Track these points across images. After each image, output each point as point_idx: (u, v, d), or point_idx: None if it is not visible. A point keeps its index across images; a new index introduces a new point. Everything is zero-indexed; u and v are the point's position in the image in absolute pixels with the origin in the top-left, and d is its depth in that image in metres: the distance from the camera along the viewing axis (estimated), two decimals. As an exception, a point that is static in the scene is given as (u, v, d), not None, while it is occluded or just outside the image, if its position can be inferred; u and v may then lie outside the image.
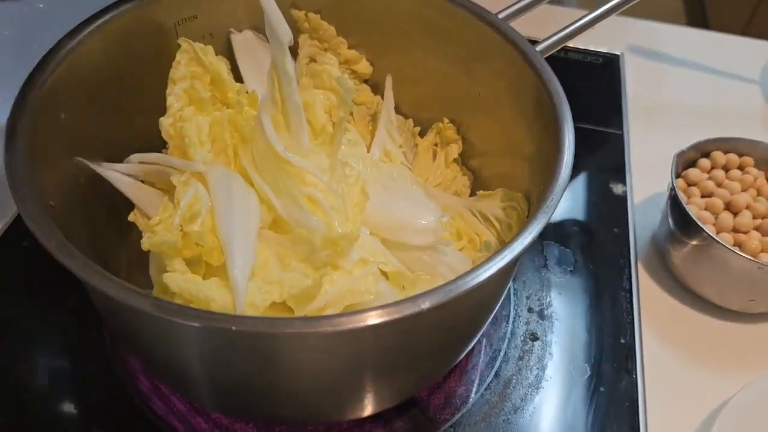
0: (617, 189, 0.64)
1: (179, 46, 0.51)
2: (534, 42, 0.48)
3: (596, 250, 0.59)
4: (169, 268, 0.41)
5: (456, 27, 0.50)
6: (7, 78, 0.47)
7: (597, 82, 0.75)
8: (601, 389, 0.50)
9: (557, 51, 0.67)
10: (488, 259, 0.35)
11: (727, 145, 0.60)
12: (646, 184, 0.65)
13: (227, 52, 0.54)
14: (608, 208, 0.63)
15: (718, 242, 0.52)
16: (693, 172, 0.58)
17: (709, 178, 0.58)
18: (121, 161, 0.49)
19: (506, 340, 0.52)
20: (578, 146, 0.61)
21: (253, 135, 0.47)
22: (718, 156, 0.59)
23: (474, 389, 0.50)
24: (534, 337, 0.53)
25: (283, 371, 0.37)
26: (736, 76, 0.78)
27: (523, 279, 0.57)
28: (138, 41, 0.49)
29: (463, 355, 0.46)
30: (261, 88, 0.51)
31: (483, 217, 0.51)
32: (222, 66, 0.53)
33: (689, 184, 0.58)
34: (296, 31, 0.55)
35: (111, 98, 0.48)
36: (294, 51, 0.54)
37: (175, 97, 0.49)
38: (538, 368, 0.51)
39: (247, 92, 0.54)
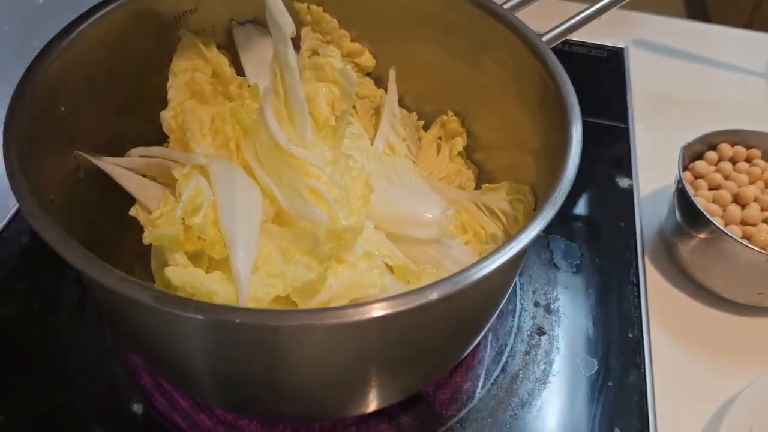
0: (623, 182, 0.63)
1: (180, 38, 0.51)
2: (539, 35, 0.48)
3: (603, 244, 0.59)
4: (171, 261, 0.40)
5: (459, 18, 0.50)
6: (7, 74, 0.46)
7: (602, 75, 0.74)
8: (609, 383, 0.50)
9: (562, 45, 0.67)
10: (496, 251, 0.34)
11: (734, 137, 0.59)
12: (652, 177, 0.64)
13: (229, 45, 0.54)
14: (614, 201, 0.62)
15: (726, 234, 0.51)
16: (700, 165, 0.57)
17: (717, 171, 0.57)
18: (122, 155, 0.48)
19: (513, 335, 0.52)
20: (583, 140, 0.61)
21: (256, 128, 0.46)
22: (725, 148, 0.58)
23: (480, 384, 0.49)
24: (541, 332, 0.52)
25: (287, 366, 0.36)
26: (741, 69, 0.77)
27: (529, 273, 0.56)
28: (138, 34, 0.48)
29: (469, 350, 0.46)
30: (263, 81, 0.50)
31: (489, 211, 0.50)
32: (223, 59, 0.52)
33: (696, 177, 0.57)
34: (299, 23, 0.54)
35: (111, 91, 0.47)
36: (296, 44, 0.53)
37: (176, 90, 0.49)
38: (545, 363, 0.50)
39: (249, 85, 0.54)
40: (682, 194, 0.55)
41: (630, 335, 0.52)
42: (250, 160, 0.46)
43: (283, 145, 0.44)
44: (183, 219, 0.41)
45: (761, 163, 0.58)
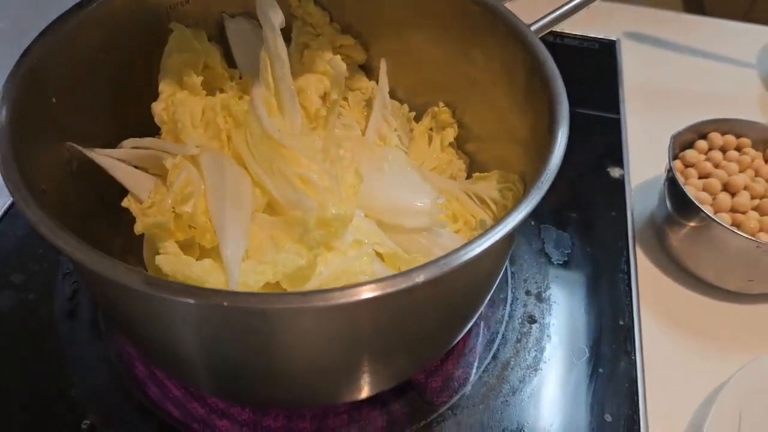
0: (615, 172, 0.63)
1: (171, 31, 0.51)
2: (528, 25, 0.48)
3: (594, 233, 0.59)
4: (162, 250, 0.41)
5: (449, 9, 0.50)
6: (2, 70, 0.47)
7: (594, 67, 0.75)
8: (600, 371, 0.50)
9: (555, 37, 0.67)
10: (482, 234, 0.34)
11: (725, 126, 0.59)
12: (644, 167, 0.64)
13: (220, 37, 0.54)
14: (606, 191, 0.62)
15: (716, 222, 0.52)
16: (690, 154, 0.58)
17: (707, 159, 0.58)
18: (114, 147, 0.49)
19: (504, 323, 0.52)
20: (575, 131, 0.61)
21: (247, 118, 0.46)
22: (716, 137, 0.59)
23: (472, 372, 0.49)
24: (532, 320, 0.53)
25: (276, 350, 0.36)
26: (733, 60, 0.77)
27: (520, 262, 0.56)
28: (129, 26, 0.49)
29: (460, 336, 0.46)
30: (254, 73, 0.51)
31: (479, 200, 0.51)
32: (215, 50, 0.52)
33: (687, 166, 0.58)
34: (290, 16, 0.55)
35: (102, 83, 0.48)
36: (288, 36, 0.54)
37: (167, 82, 0.49)
38: (536, 350, 0.51)
39: (240, 77, 0.54)
40: (672, 183, 0.55)
41: (621, 323, 0.53)
42: (241, 151, 0.46)
43: (273, 134, 0.44)
44: (173, 208, 0.42)
45: (751, 151, 0.58)
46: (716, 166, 0.57)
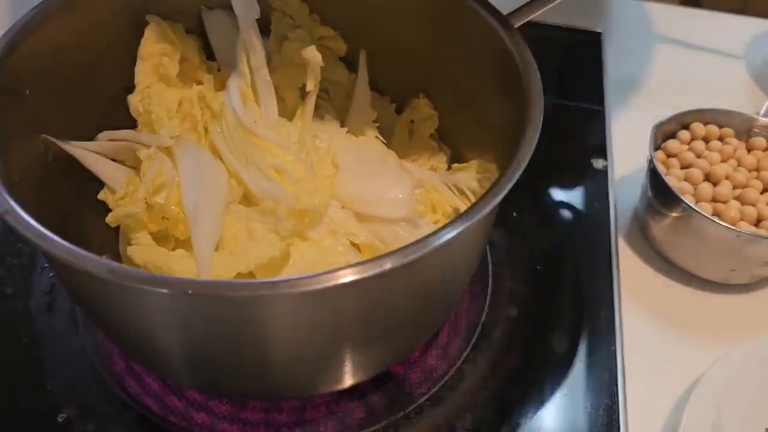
0: (598, 164, 0.63)
1: (148, 23, 0.51)
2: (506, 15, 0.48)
3: (577, 224, 0.59)
4: (134, 241, 0.41)
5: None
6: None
7: (578, 59, 0.75)
8: (580, 361, 0.50)
9: (539, 29, 0.67)
10: (451, 221, 0.34)
11: (707, 116, 0.59)
12: (628, 158, 0.64)
13: (199, 30, 0.54)
14: (589, 182, 0.62)
15: (696, 211, 0.51)
16: (672, 144, 0.58)
17: (689, 150, 0.57)
18: (91, 140, 0.49)
19: (484, 314, 0.52)
20: (559, 123, 0.61)
21: (223, 110, 0.46)
22: (698, 127, 0.58)
23: (451, 363, 0.49)
24: (512, 311, 0.52)
25: (247, 340, 0.36)
26: (720, 52, 0.77)
27: (502, 254, 0.56)
28: (107, 17, 0.49)
29: (438, 326, 0.46)
30: (233, 65, 0.51)
31: (458, 190, 0.51)
32: (192, 43, 0.52)
33: (669, 156, 0.58)
34: (269, 8, 0.54)
35: (78, 75, 0.47)
36: (266, 28, 0.54)
37: (143, 74, 0.49)
38: (516, 341, 0.50)
39: (219, 70, 0.54)
40: (653, 173, 0.55)
41: (602, 313, 0.52)
42: (217, 142, 0.46)
43: (247, 125, 0.44)
44: (146, 199, 0.41)
45: (734, 141, 0.58)
46: (698, 156, 0.57)
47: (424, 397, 0.47)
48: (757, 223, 0.53)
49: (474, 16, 0.47)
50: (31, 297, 0.52)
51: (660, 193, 0.54)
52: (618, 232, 0.59)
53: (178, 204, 0.42)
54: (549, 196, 0.61)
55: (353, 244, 0.45)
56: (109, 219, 0.42)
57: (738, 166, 0.56)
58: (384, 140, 0.55)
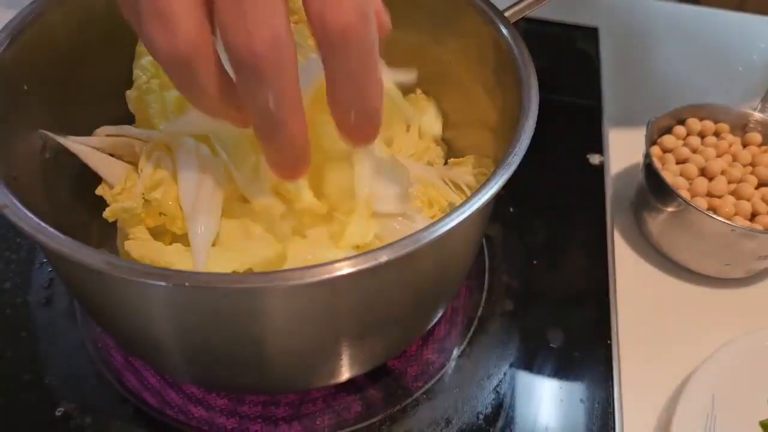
0: (594, 159, 0.63)
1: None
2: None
3: (573, 219, 0.59)
4: (131, 236, 0.41)
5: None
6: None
7: (575, 55, 0.75)
8: (576, 355, 0.50)
9: (535, 24, 0.67)
10: (447, 215, 0.35)
11: (703, 111, 0.59)
12: (624, 154, 0.64)
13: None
14: (585, 178, 0.62)
15: (692, 206, 0.52)
16: (668, 139, 0.58)
17: (685, 145, 0.58)
18: (89, 135, 0.49)
19: (480, 308, 0.52)
20: (555, 118, 0.61)
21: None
22: (693, 123, 0.59)
23: (448, 357, 0.50)
24: (508, 305, 0.53)
25: (243, 333, 0.36)
26: (716, 48, 0.77)
27: (498, 248, 0.56)
28: (104, 12, 0.49)
29: (434, 320, 0.46)
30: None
31: (455, 185, 0.51)
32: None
33: (665, 151, 0.58)
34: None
35: (76, 70, 0.47)
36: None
37: (141, 69, 0.49)
38: (512, 335, 0.51)
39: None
40: (649, 168, 0.55)
41: (598, 308, 0.53)
42: (213, 139, 0.46)
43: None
44: (143, 194, 0.42)
45: (729, 136, 0.58)
46: (694, 151, 0.57)
47: (421, 391, 0.48)
48: (752, 217, 0.53)
49: (470, 11, 0.47)
50: (30, 291, 0.52)
51: (656, 189, 0.55)
52: (614, 227, 0.59)
53: (176, 200, 0.42)
54: (545, 190, 0.61)
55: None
56: (107, 214, 0.42)
57: (733, 161, 0.57)
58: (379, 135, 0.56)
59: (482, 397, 0.48)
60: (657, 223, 0.56)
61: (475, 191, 0.36)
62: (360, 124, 0.32)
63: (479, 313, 0.52)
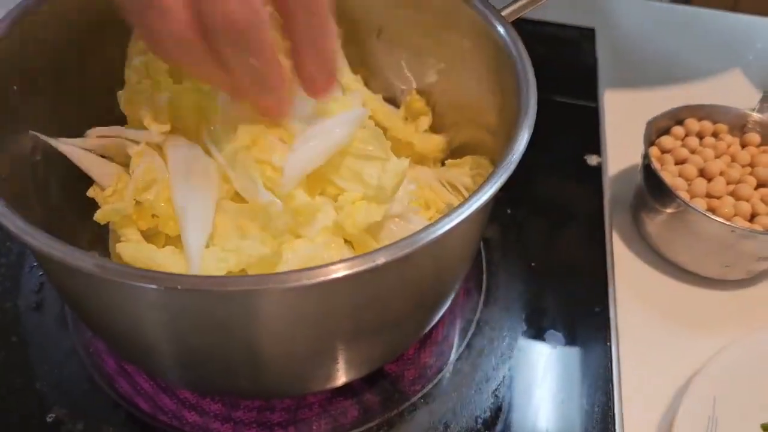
0: (592, 160, 0.63)
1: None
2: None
3: (572, 220, 0.59)
4: (123, 238, 0.40)
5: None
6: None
7: (572, 55, 0.74)
8: (576, 357, 0.49)
9: (533, 25, 0.66)
10: (444, 216, 0.34)
11: (701, 112, 0.59)
12: (622, 155, 0.64)
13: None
14: (583, 179, 0.62)
15: (691, 207, 0.51)
16: (666, 140, 0.57)
17: (683, 146, 0.57)
18: (80, 136, 0.48)
19: (478, 311, 0.52)
20: (553, 119, 0.61)
21: (212, 105, 0.46)
22: (692, 123, 0.58)
23: (446, 360, 0.49)
24: (507, 307, 0.52)
25: (237, 337, 0.36)
26: (713, 48, 0.77)
27: (496, 250, 0.56)
28: (96, 13, 0.48)
29: (432, 323, 0.45)
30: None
31: (452, 187, 0.50)
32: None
33: (663, 152, 0.57)
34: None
35: (67, 71, 0.47)
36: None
37: (133, 70, 0.48)
38: (510, 338, 0.50)
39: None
40: (647, 169, 0.55)
41: (597, 309, 0.52)
42: (207, 139, 0.45)
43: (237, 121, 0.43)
44: (135, 196, 0.41)
45: (727, 137, 0.58)
46: (692, 152, 0.57)
47: (418, 395, 0.47)
48: (752, 218, 0.52)
49: (468, 11, 0.46)
50: (20, 296, 0.51)
51: (654, 189, 0.54)
52: (613, 229, 0.59)
53: (168, 201, 0.41)
54: (543, 192, 0.61)
55: (346, 242, 0.45)
56: (98, 216, 0.41)
57: (732, 161, 0.56)
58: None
59: (481, 401, 0.47)
60: (656, 224, 0.56)
61: (473, 192, 0.35)
62: (321, 77, 0.38)
63: (477, 316, 0.51)
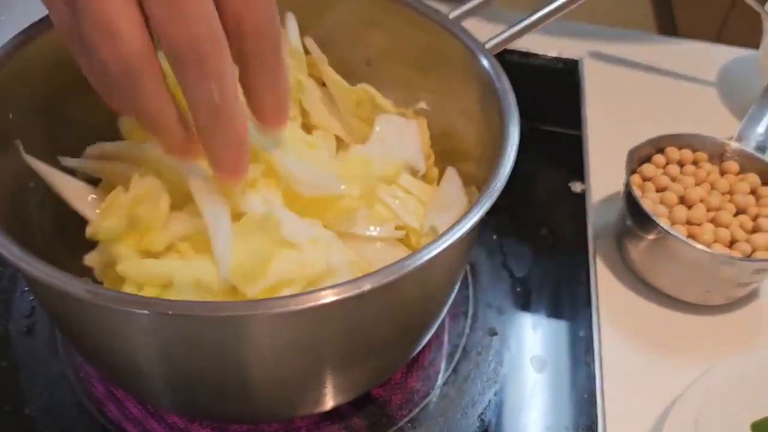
0: (576, 187, 0.64)
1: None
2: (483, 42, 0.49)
3: (555, 246, 0.60)
4: (124, 258, 0.39)
5: (405, 25, 0.51)
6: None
7: (558, 86, 0.76)
8: (559, 382, 0.50)
9: (519, 56, 0.68)
10: (431, 242, 0.35)
11: (681, 140, 0.60)
12: (605, 182, 0.65)
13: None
14: (568, 205, 0.63)
15: (671, 234, 0.52)
16: (648, 168, 0.59)
17: (664, 173, 0.59)
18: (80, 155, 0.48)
19: (464, 336, 0.52)
20: (538, 147, 0.62)
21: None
22: (672, 151, 0.60)
23: (432, 385, 0.49)
24: (492, 332, 0.53)
25: (226, 361, 0.36)
26: (694, 79, 0.79)
27: (481, 275, 0.57)
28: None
29: (419, 348, 0.46)
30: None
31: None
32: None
33: (645, 179, 0.59)
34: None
35: (65, 98, 0.47)
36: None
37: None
38: (495, 362, 0.51)
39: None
40: (629, 196, 0.56)
41: (581, 334, 0.53)
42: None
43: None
44: (128, 212, 0.41)
45: (707, 165, 0.59)
46: (673, 179, 0.58)
47: (405, 419, 0.48)
48: (731, 245, 0.54)
49: (453, 43, 0.48)
50: (11, 320, 0.51)
51: (636, 216, 0.56)
52: (596, 254, 0.60)
53: (161, 215, 0.41)
54: (529, 218, 0.62)
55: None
56: (88, 232, 0.41)
57: (711, 189, 0.58)
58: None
59: (467, 425, 0.47)
60: (638, 250, 0.57)
61: (459, 218, 0.36)
62: (272, 106, 0.36)
63: (463, 341, 0.52)
